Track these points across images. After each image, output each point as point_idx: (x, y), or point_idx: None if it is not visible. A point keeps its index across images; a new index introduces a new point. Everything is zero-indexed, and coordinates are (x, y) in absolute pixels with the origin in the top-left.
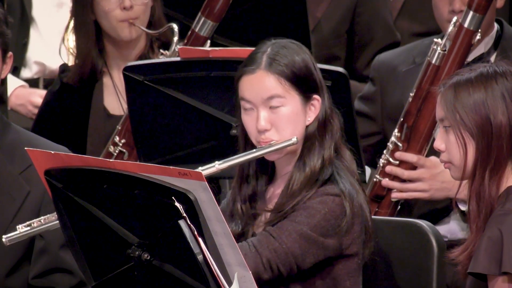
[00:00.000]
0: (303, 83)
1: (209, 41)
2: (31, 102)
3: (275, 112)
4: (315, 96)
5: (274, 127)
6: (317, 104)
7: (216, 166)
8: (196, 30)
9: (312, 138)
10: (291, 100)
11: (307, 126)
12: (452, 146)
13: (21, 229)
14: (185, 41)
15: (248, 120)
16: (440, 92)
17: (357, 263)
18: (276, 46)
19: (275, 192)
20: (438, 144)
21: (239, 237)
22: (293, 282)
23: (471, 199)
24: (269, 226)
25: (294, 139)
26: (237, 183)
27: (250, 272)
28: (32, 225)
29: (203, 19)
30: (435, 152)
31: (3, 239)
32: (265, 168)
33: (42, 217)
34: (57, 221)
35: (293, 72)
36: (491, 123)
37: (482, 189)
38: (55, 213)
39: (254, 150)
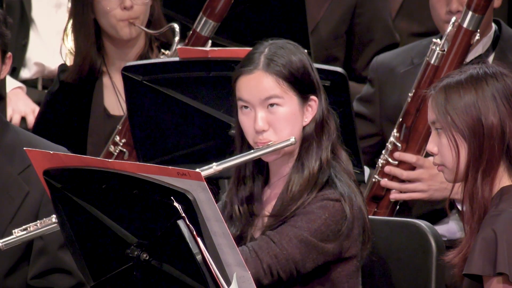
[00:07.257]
0: (301, 84)
1: (210, 41)
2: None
3: (273, 113)
4: (312, 97)
5: (272, 127)
6: (314, 105)
7: (214, 167)
8: (198, 30)
9: (309, 139)
10: (289, 101)
11: (304, 127)
12: (445, 149)
13: (18, 233)
14: (186, 41)
15: (245, 120)
16: (431, 94)
17: (355, 265)
18: (273, 47)
19: (272, 193)
20: (431, 147)
21: (238, 240)
22: (292, 285)
23: (465, 201)
24: (269, 230)
25: (292, 139)
26: (233, 184)
27: (249, 272)
28: (29, 229)
29: (204, 19)
30: None
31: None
32: (261, 169)
33: (38, 221)
34: (54, 225)
35: (291, 73)
36: (482, 125)
37: (475, 191)
38: (52, 216)
39: (253, 150)
